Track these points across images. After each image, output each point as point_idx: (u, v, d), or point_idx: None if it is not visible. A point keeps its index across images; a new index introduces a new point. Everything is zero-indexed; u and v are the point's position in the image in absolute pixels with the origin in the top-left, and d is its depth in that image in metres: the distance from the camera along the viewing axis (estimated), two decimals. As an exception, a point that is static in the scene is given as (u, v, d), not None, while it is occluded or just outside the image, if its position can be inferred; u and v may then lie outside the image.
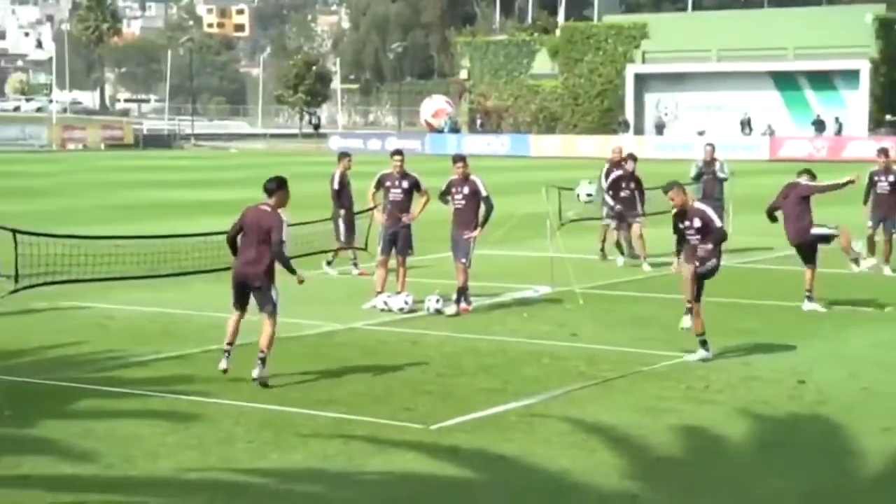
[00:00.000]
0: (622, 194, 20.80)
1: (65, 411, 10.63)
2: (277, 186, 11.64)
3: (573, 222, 22.00)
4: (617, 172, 21.07)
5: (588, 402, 11.08)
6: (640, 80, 74.13)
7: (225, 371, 11.59)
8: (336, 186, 19.55)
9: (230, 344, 11.67)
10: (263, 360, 11.49)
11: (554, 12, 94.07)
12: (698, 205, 13.13)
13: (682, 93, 73.28)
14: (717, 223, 12.91)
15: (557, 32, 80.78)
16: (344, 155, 20.24)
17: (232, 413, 10.54)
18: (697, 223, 12.81)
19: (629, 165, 21.08)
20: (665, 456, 9.55)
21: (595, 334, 14.34)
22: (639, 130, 72.56)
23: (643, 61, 74.95)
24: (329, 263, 19.54)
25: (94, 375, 11.96)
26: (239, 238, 11.69)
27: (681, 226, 12.98)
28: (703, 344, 12.81)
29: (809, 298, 16.03)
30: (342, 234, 19.37)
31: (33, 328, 14.60)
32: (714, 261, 12.82)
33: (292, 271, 11.77)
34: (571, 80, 76.88)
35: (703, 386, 11.72)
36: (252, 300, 11.70)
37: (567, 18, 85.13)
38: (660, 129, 72.53)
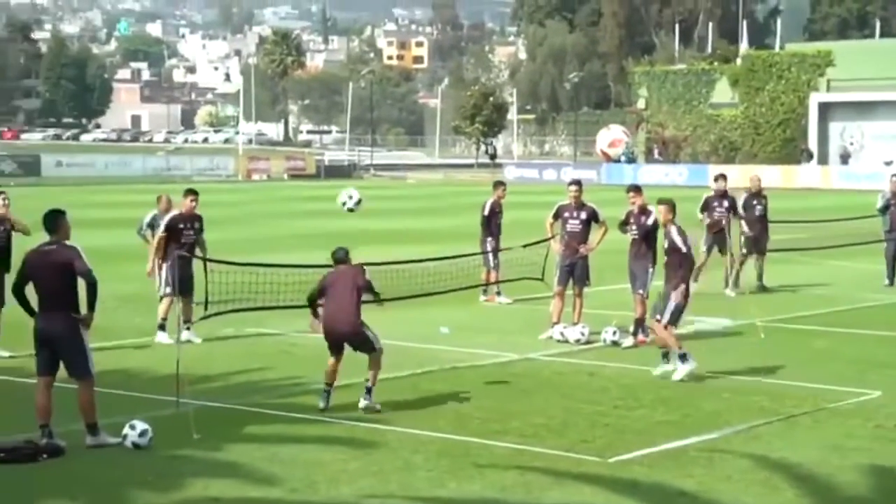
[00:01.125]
0: (716, 214, 20.49)
1: (250, 435, 10.92)
2: (347, 255, 12.12)
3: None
4: (707, 194, 20.94)
5: (772, 438, 10.83)
6: (825, 108, 72.28)
7: (321, 409, 11.72)
8: (486, 213, 19.70)
9: (329, 384, 11.80)
10: (368, 391, 11.74)
11: (734, 41, 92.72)
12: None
13: (868, 122, 71.11)
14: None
15: (738, 61, 79.54)
16: (499, 184, 20.38)
17: (410, 441, 10.67)
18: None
19: (720, 184, 20.76)
20: (853, 496, 9.26)
21: (777, 369, 14.00)
22: (822, 160, 70.69)
23: (828, 89, 73.07)
24: (499, 294, 19.63)
25: (277, 401, 12.27)
26: (325, 299, 11.88)
27: None
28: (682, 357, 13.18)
29: None
30: (491, 262, 19.46)
31: (221, 354, 15.06)
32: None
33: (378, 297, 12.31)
34: (752, 109, 75.52)
35: (893, 424, 11.33)
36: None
37: (749, 47, 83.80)
38: (844, 158, 70.52)
